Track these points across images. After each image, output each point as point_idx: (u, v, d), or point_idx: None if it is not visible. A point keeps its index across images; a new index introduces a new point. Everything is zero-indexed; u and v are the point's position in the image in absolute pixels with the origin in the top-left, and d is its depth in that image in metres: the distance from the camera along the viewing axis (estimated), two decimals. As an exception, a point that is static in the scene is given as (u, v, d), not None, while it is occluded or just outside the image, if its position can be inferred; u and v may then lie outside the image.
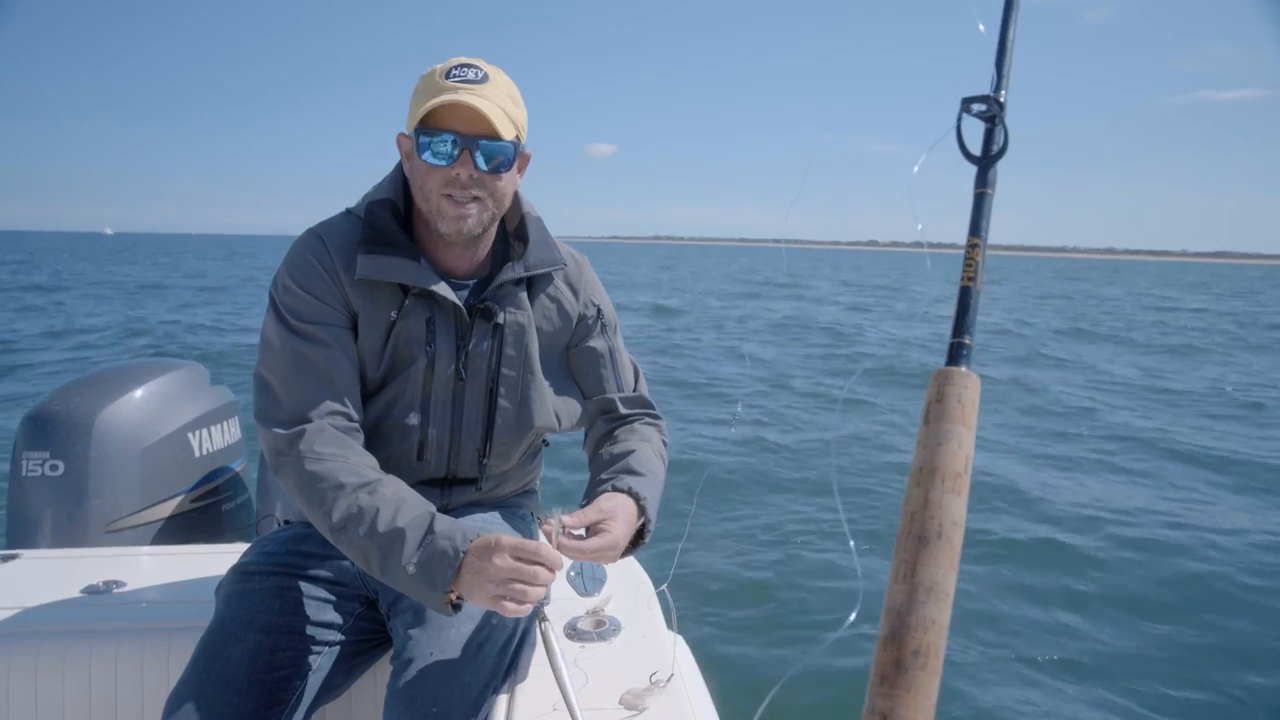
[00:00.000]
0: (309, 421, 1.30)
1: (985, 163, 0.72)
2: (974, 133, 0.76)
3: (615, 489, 1.36)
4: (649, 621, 1.52)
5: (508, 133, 1.33)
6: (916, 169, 0.70)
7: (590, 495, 1.38)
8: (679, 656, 1.36)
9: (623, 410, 1.56)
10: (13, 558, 1.96)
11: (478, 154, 1.32)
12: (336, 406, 1.33)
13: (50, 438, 2.29)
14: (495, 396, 1.45)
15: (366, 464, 1.30)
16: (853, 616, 0.58)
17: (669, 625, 1.36)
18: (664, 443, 1.57)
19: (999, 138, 0.73)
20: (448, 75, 1.32)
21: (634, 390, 1.60)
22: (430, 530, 1.19)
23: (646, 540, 1.41)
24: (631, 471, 1.40)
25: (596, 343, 1.56)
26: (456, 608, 1.20)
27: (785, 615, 3.71)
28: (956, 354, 0.66)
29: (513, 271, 1.44)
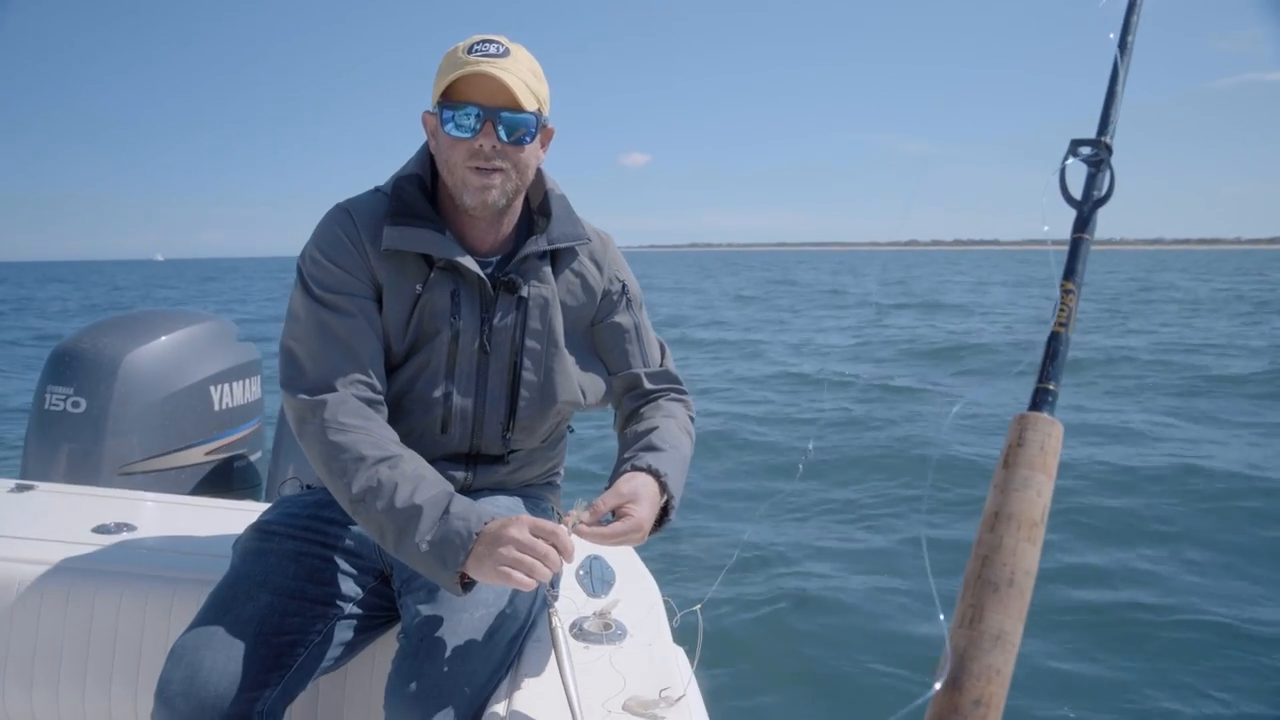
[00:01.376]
0: (333, 390, 1.30)
1: (1087, 208, 0.70)
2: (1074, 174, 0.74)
3: (635, 468, 1.35)
4: (656, 630, 1.50)
5: (529, 104, 1.34)
6: (1044, 197, 0.67)
7: (613, 477, 1.37)
8: (687, 672, 1.33)
9: (648, 386, 1.56)
10: (28, 488, 1.97)
11: (500, 126, 1.33)
12: (360, 376, 1.32)
13: (76, 374, 2.30)
14: (519, 369, 1.44)
15: (389, 437, 1.30)
16: (937, 686, 0.54)
17: (694, 646, 1.34)
18: (691, 418, 1.56)
19: (1103, 184, 0.71)
20: (469, 50, 1.34)
21: (660, 366, 1.59)
22: (447, 510, 1.19)
23: (672, 517, 1.39)
24: (652, 448, 1.39)
25: (622, 318, 1.55)
26: (467, 588, 1.19)
27: (815, 656, 3.51)
28: (1041, 400, 0.64)
29: (536, 245, 1.44)
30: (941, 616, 0.58)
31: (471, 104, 1.32)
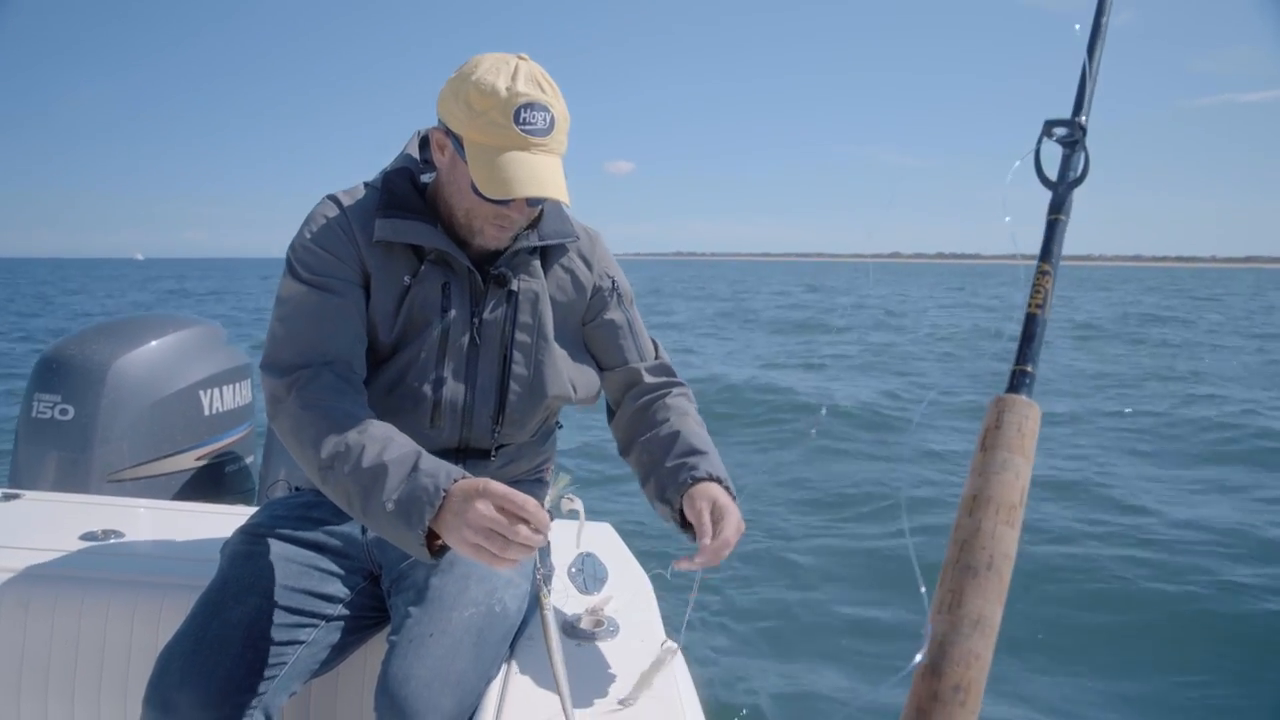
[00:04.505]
0: (307, 367, 1.28)
1: (1062, 188, 0.70)
2: (1051, 156, 0.73)
3: (694, 479, 1.35)
4: (648, 625, 1.49)
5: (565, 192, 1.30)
6: (1009, 180, 0.67)
7: (661, 483, 1.38)
8: (676, 665, 1.33)
9: (648, 380, 1.55)
10: (15, 497, 1.96)
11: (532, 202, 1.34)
12: (337, 354, 1.30)
13: (63, 381, 2.29)
14: (509, 362, 1.44)
15: (361, 407, 1.27)
16: (919, 657, 0.54)
17: (678, 636, 1.34)
18: (696, 411, 1.56)
19: (1078, 164, 0.70)
20: (516, 118, 1.24)
21: (656, 359, 1.59)
22: (415, 467, 1.15)
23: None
24: (695, 451, 1.40)
25: (614, 314, 1.55)
26: (437, 555, 1.15)
27: (809, 644, 3.53)
28: (1019, 381, 0.63)
29: (526, 240, 1.43)
30: (924, 590, 0.57)
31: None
